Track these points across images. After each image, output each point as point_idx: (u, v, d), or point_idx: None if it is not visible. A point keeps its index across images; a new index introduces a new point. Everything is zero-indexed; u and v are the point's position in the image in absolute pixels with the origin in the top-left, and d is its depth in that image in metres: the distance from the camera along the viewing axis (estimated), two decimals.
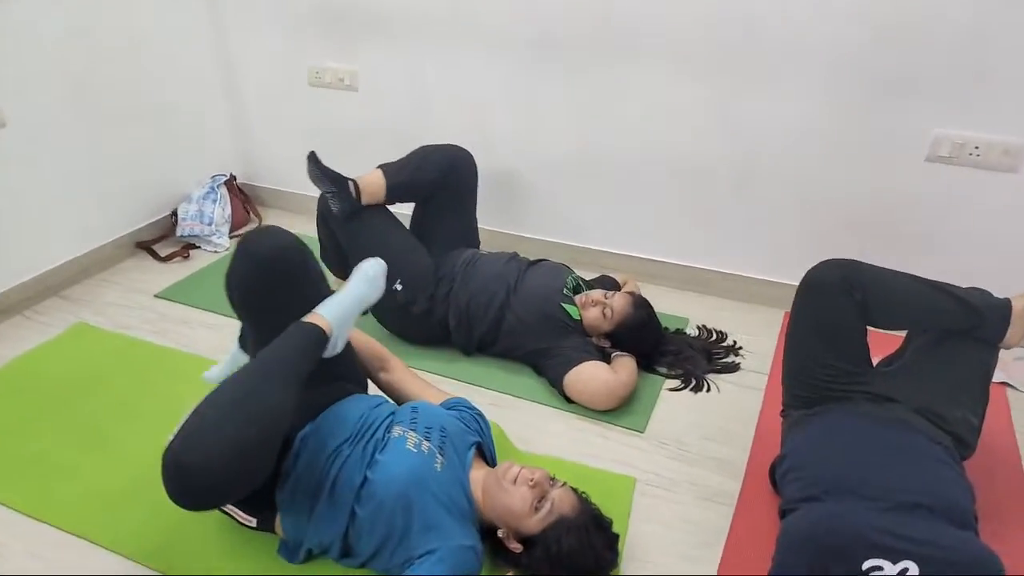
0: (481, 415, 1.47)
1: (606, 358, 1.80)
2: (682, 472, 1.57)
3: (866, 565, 1.04)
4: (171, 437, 0.99)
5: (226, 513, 1.29)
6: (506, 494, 1.23)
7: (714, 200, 2.13)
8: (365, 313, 2.00)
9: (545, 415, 1.74)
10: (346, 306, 1.28)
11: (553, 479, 1.28)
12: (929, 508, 1.11)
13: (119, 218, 2.38)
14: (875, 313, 1.33)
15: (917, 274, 1.38)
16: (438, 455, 1.26)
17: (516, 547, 1.23)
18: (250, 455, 1.01)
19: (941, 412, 1.31)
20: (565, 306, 1.82)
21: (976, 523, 1.16)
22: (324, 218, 1.99)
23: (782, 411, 1.47)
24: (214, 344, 1.97)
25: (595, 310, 1.81)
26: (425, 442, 1.27)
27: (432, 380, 1.81)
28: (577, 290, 1.90)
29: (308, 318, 1.22)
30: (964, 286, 1.39)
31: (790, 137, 1.96)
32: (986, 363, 1.39)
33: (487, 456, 1.42)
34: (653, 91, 2.04)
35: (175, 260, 2.39)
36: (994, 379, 1.45)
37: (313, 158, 1.88)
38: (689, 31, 1.92)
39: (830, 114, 1.89)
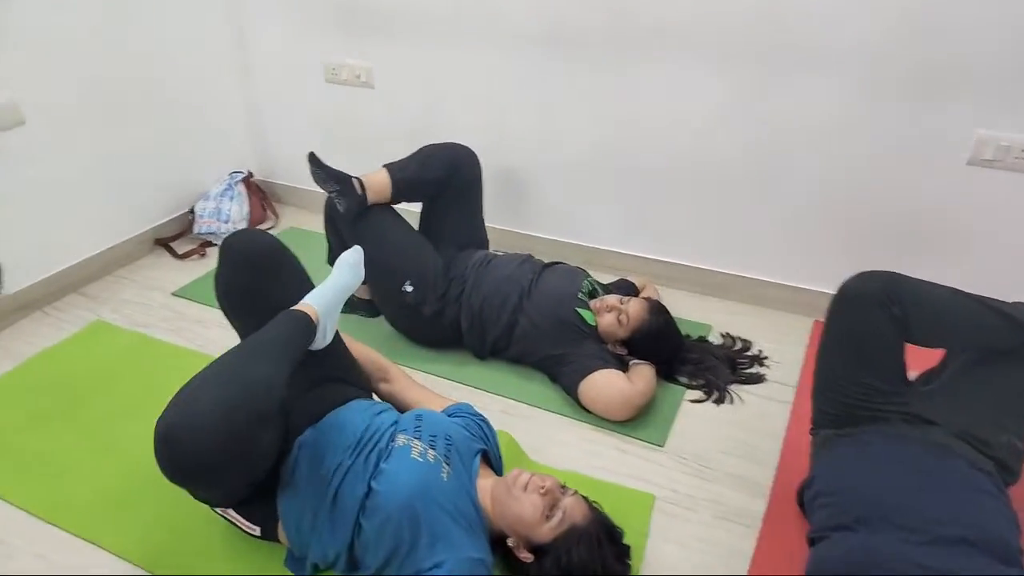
0: (485, 421, 1.44)
1: (623, 366, 1.74)
2: (703, 489, 1.51)
3: None
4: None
5: (230, 521, 1.27)
6: (516, 502, 1.20)
7: (738, 201, 2.05)
8: (376, 315, 2.01)
9: (559, 425, 1.69)
10: (330, 295, 1.31)
11: (564, 487, 1.25)
12: (972, 543, 1.03)
13: (138, 215, 2.39)
14: (915, 329, 1.25)
15: (956, 286, 1.30)
16: (444, 464, 1.23)
17: (527, 556, 1.20)
18: (237, 419, 1.00)
19: (984, 436, 1.22)
20: (580, 311, 1.77)
21: (1022, 558, 1.08)
22: (331, 220, 1.96)
23: (811, 429, 1.40)
24: (228, 344, 1.89)
25: (609, 316, 1.75)
26: (431, 451, 1.24)
27: (443, 385, 1.79)
28: (593, 294, 1.84)
29: (294, 308, 1.27)
30: (1009, 301, 1.30)
31: (819, 136, 1.87)
32: None
33: (493, 463, 1.39)
34: (672, 87, 1.96)
35: (192, 258, 2.40)
36: None
37: (313, 158, 1.83)
38: (709, 23, 1.84)
39: (863, 112, 1.79)
